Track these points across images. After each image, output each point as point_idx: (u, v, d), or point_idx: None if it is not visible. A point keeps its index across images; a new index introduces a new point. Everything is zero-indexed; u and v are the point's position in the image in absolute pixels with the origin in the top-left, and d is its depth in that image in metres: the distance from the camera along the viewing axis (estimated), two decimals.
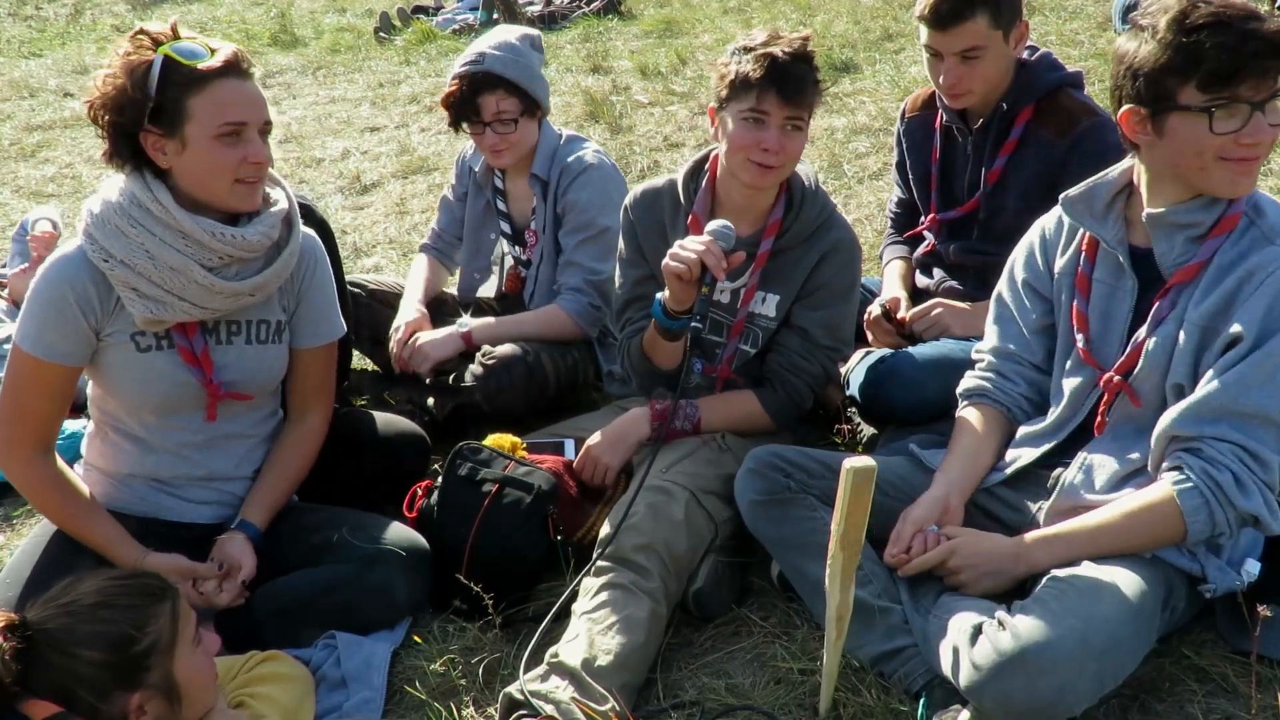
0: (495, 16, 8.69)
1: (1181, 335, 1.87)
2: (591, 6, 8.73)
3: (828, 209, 2.44)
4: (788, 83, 2.21)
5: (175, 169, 2.04)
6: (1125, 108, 1.84)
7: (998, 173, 2.64)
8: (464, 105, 2.91)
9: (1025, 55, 2.64)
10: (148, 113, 1.98)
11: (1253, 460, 1.79)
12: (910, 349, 2.65)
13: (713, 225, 2.26)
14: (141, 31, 2.02)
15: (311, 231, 2.34)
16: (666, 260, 2.21)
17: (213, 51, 2.01)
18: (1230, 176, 1.80)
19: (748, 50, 2.25)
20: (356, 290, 3.15)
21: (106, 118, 2.02)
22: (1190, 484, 1.81)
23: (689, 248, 2.19)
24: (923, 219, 2.90)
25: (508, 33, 3.03)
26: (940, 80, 2.59)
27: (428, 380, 2.92)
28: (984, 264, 2.73)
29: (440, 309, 3.25)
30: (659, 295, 2.31)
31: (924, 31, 2.56)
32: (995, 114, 2.62)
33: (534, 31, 3.10)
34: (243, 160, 2.03)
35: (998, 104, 2.61)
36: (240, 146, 2.02)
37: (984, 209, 2.71)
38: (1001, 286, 2.23)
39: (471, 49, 2.97)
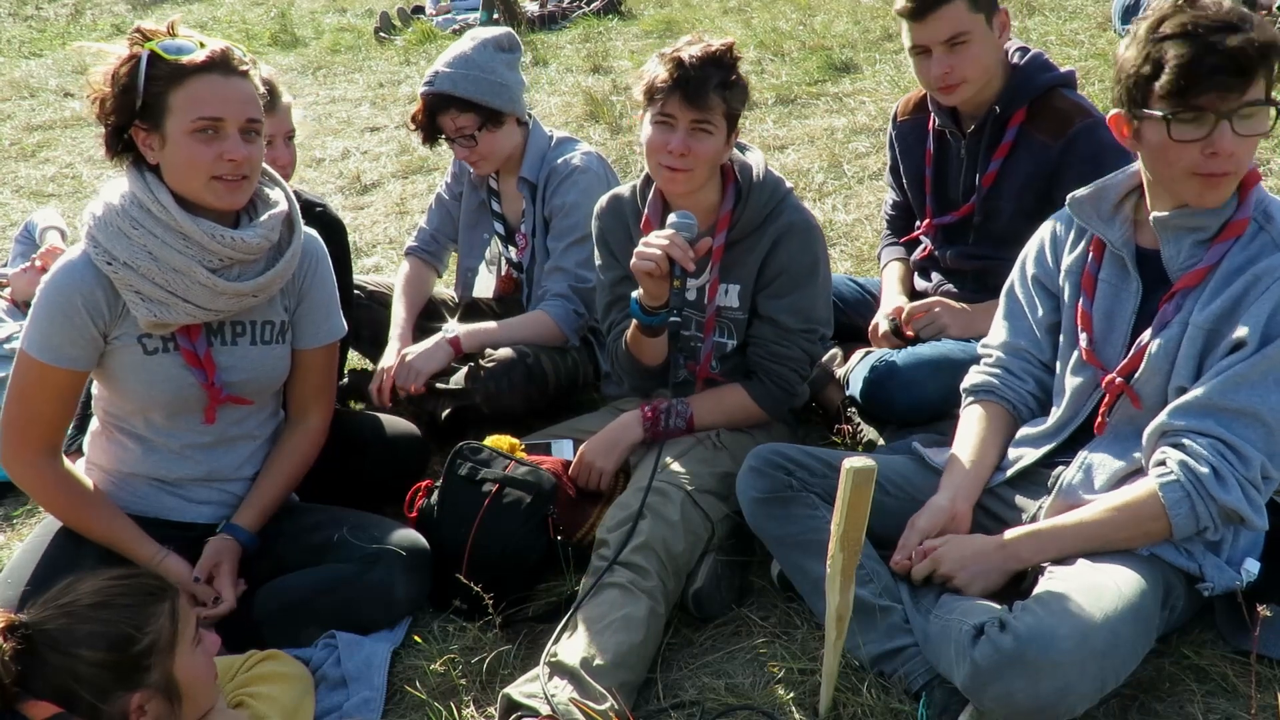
0: (495, 17, 8.68)
1: (1185, 339, 1.87)
2: (591, 6, 8.73)
3: (778, 196, 2.45)
4: (690, 86, 2.24)
5: (162, 165, 2.04)
6: (1114, 110, 1.87)
7: (992, 176, 2.63)
8: (428, 126, 2.95)
9: (1017, 59, 2.62)
10: (137, 108, 2.00)
11: (1233, 455, 1.80)
12: (910, 349, 2.65)
13: (673, 218, 2.30)
14: (138, 29, 2.03)
15: (313, 231, 2.34)
16: (634, 260, 2.26)
17: (203, 47, 2.01)
18: (1197, 189, 1.81)
19: (663, 56, 2.30)
20: (356, 291, 3.14)
21: (100, 113, 2.04)
22: (1172, 477, 1.82)
23: (653, 243, 2.23)
24: (919, 224, 2.90)
25: (468, 41, 2.96)
26: (931, 74, 2.56)
27: (422, 391, 2.88)
28: (982, 268, 2.73)
29: (439, 312, 3.24)
30: (634, 294, 2.33)
31: (907, 30, 2.54)
32: (988, 117, 2.60)
33: (500, 32, 3.03)
34: (218, 157, 2.02)
35: (990, 107, 2.60)
36: (217, 143, 2.02)
37: (979, 213, 2.70)
38: (1013, 281, 2.23)
39: (434, 65, 2.97)
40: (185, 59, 1.99)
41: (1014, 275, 2.23)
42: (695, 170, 2.33)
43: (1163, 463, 1.85)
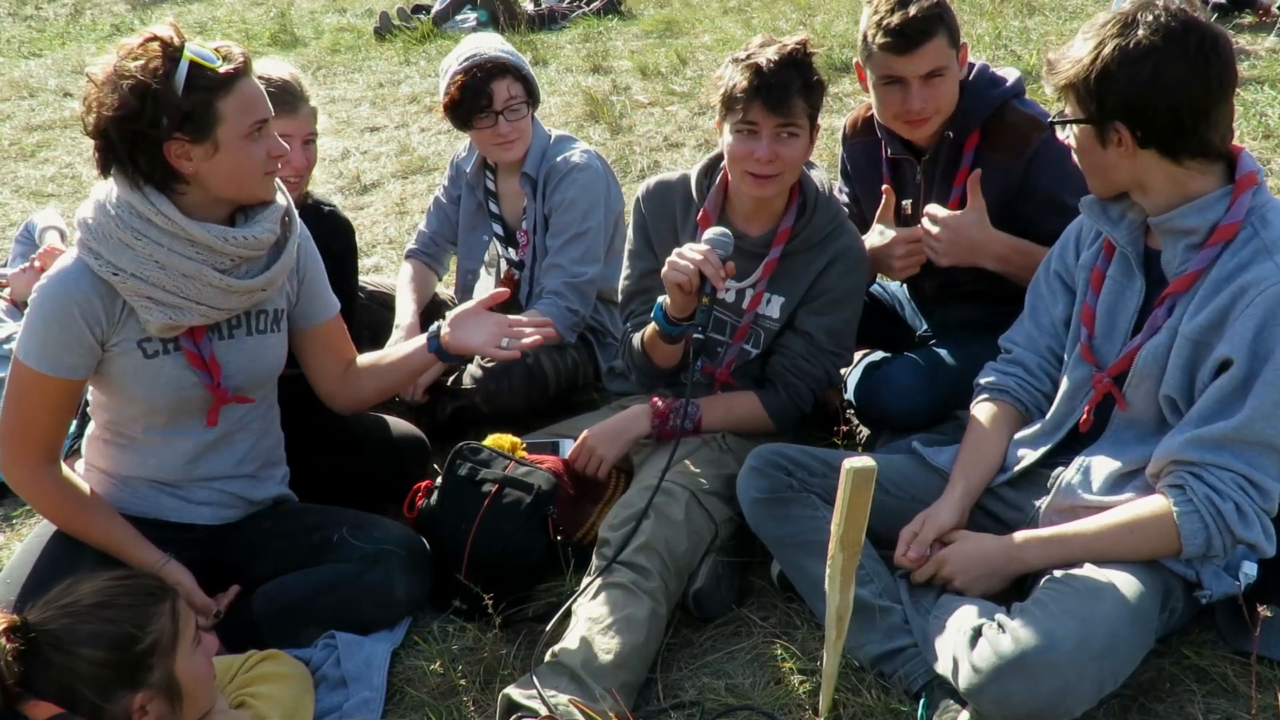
0: (495, 15, 8.65)
1: (1174, 348, 1.86)
2: (591, 6, 8.72)
3: (840, 216, 2.45)
4: (772, 92, 2.20)
5: (200, 173, 2.01)
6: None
7: (955, 203, 2.52)
8: (476, 95, 2.89)
9: (962, 75, 2.50)
10: (179, 120, 1.94)
11: (1255, 490, 1.80)
12: (908, 354, 2.64)
13: (710, 234, 2.27)
14: (154, 38, 1.96)
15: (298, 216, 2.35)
16: (666, 269, 2.23)
17: (217, 52, 2.00)
18: None
19: (737, 61, 2.25)
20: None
21: (127, 129, 1.94)
22: (1191, 508, 1.80)
23: (687, 257, 2.20)
24: None
25: (490, 37, 3.06)
26: (905, 106, 2.43)
27: (423, 399, 2.94)
28: (965, 292, 2.66)
29: (439, 312, 3.24)
30: (660, 299, 2.32)
31: (881, 61, 2.39)
32: (943, 142, 2.51)
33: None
34: (268, 155, 2.06)
35: (943, 133, 2.50)
36: (263, 142, 2.05)
37: None
38: (1038, 276, 2.22)
39: (460, 52, 2.97)
40: (227, 67, 1.98)
41: (1039, 271, 2.21)
42: (784, 174, 2.31)
43: (1181, 488, 1.83)
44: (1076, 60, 1.82)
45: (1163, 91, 1.76)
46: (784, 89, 2.20)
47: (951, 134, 2.49)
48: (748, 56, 2.24)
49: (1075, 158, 1.94)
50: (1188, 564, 1.87)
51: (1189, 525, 1.80)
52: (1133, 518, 1.87)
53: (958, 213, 2.39)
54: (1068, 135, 1.93)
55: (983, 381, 2.25)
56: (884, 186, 2.59)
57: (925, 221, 2.41)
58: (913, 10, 2.34)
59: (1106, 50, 1.78)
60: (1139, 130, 1.80)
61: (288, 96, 2.52)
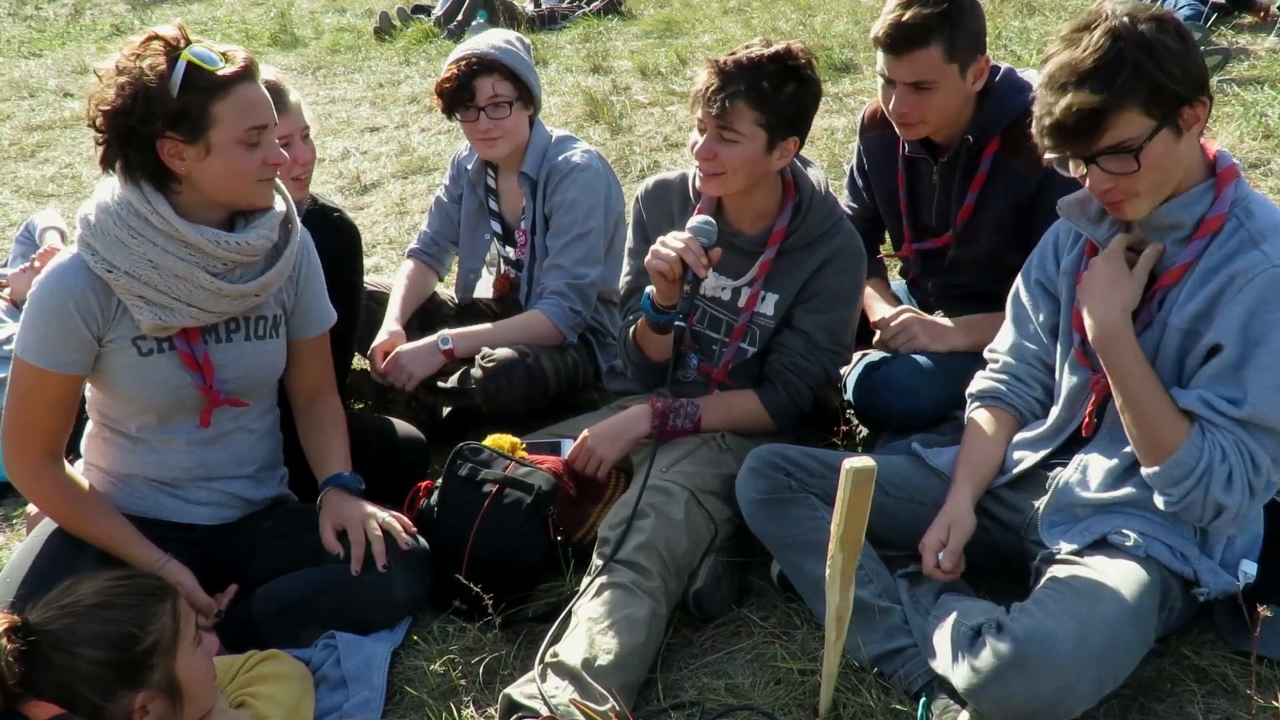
0: (495, 15, 8.66)
1: (1164, 339, 1.87)
2: (591, 6, 8.72)
3: (835, 215, 2.45)
4: (709, 93, 2.23)
5: (193, 174, 2.02)
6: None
7: (969, 209, 2.54)
8: (460, 90, 2.90)
9: (987, 79, 2.48)
10: (171, 120, 1.95)
11: (1251, 464, 1.80)
12: (905, 355, 2.64)
13: (693, 222, 2.29)
14: (156, 37, 1.98)
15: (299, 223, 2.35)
16: (649, 258, 2.25)
17: (223, 55, 2.01)
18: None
19: (709, 59, 2.28)
20: None
21: (120, 125, 1.97)
22: (1198, 445, 1.80)
23: (670, 245, 2.22)
24: (897, 245, 2.82)
25: (499, 33, 3.06)
26: (890, 108, 2.46)
27: (413, 390, 2.92)
28: (968, 293, 2.68)
29: (439, 311, 3.24)
30: (648, 289, 2.33)
31: (879, 58, 2.44)
32: (961, 146, 2.49)
33: (518, 35, 3.13)
34: (263, 162, 2.05)
35: (963, 137, 2.48)
36: (260, 149, 2.04)
37: (955, 244, 2.62)
38: (1018, 286, 2.21)
39: (461, 46, 2.98)
40: (225, 70, 1.98)
41: (1019, 280, 2.21)
42: (726, 175, 2.31)
43: (1203, 432, 1.81)
44: (1125, 79, 1.74)
45: (1198, 56, 1.79)
46: (721, 92, 2.22)
47: (971, 138, 2.48)
48: (721, 56, 2.26)
49: (1128, 185, 1.82)
50: (1184, 560, 1.87)
51: (1186, 453, 1.80)
52: (1168, 403, 1.84)
53: (932, 318, 2.58)
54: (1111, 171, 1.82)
55: (974, 390, 2.24)
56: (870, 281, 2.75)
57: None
58: (908, 14, 2.32)
59: (1145, 48, 1.74)
60: (1209, 97, 1.80)
61: (277, 97, 2.52)
